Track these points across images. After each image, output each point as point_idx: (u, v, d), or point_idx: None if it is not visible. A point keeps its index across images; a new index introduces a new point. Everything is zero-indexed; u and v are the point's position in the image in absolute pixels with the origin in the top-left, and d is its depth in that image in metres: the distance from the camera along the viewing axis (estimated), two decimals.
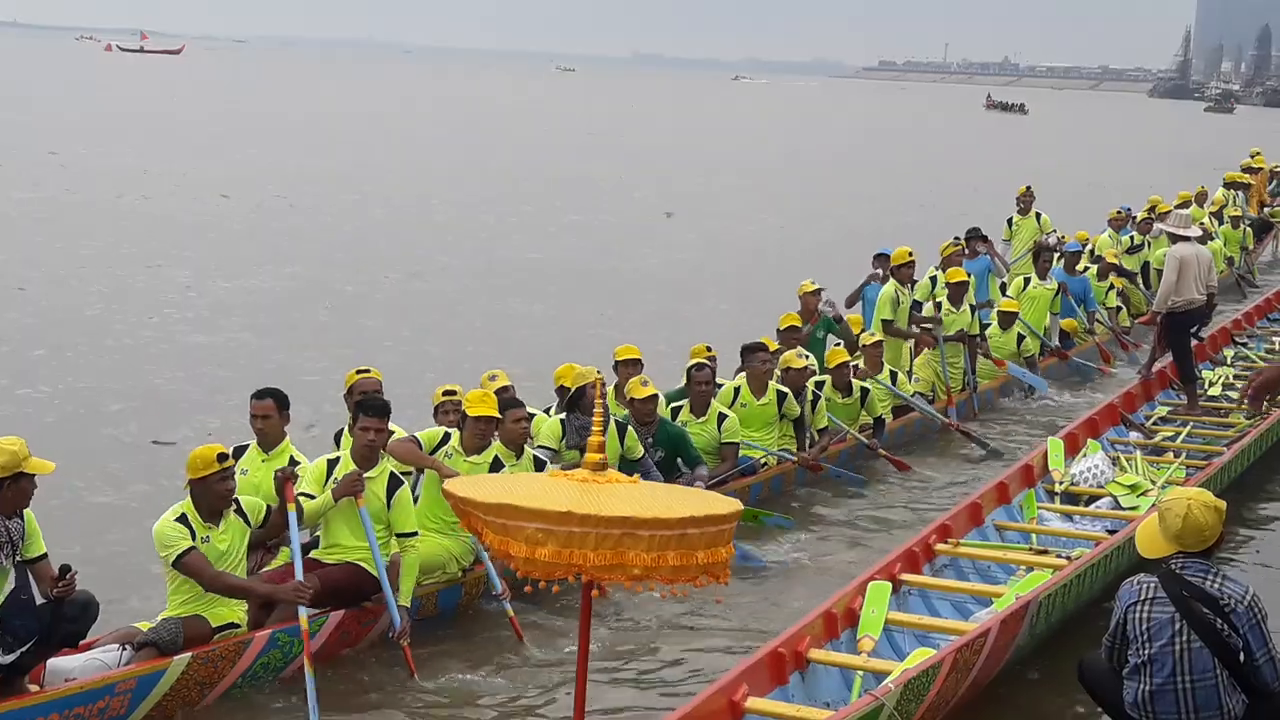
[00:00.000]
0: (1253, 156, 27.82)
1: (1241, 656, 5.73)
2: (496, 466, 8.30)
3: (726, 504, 4.17)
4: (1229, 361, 14.54)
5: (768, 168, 43.55)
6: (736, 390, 10.81)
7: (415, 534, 7.74)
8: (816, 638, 7.06)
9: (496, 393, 8.90)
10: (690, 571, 3.95)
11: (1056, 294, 15.34)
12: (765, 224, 29.19)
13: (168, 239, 22.46)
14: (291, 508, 7.34)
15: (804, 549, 9.67)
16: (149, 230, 23.40)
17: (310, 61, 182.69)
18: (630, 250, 24.24)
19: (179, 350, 14.98)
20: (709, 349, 10.84)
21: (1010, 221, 17.88)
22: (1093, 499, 10.01)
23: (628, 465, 9.29)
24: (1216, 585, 5.77)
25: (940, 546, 8.55)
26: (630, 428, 9.54)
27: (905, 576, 8.02)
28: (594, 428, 4.34)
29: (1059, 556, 8.52)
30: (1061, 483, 10.11)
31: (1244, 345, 15.33)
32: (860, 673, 6.83)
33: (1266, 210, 25.07)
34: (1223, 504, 5.97)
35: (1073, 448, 10.77)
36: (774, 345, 11.51)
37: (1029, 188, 18.09)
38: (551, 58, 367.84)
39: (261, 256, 21.27)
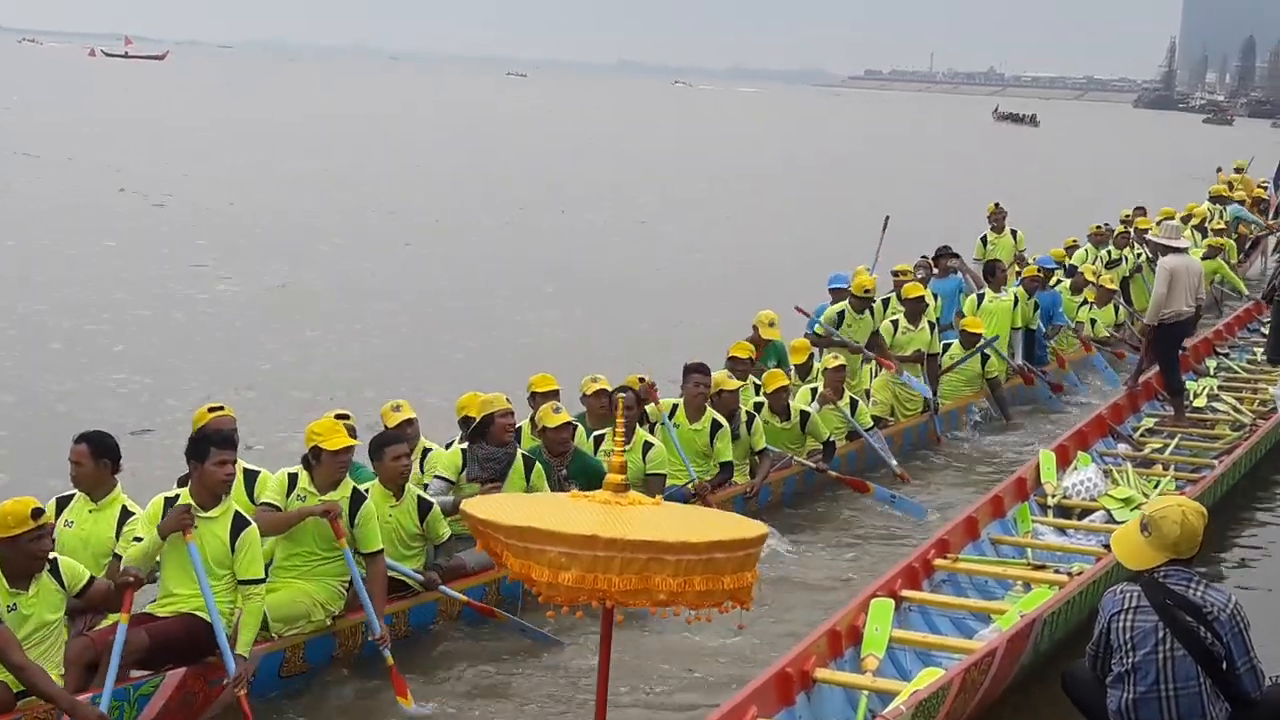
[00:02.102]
0: (1237, 170, 27.93)
1: (1224, 665, 5.76)
2: (356, 501, 7.56)
3: (754, 528, 4.09)
4: (1212, 372, 14.61)
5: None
6: (675, 407, 10.38)
7: (261, 581, 6.96)
8: (822, 656, 7.04)
9: (399, 426, 8.50)
10: (716, 596, 3.86)
11: (1016, 304, 14.64)
12: (731, 233, 29.02)
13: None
14: (125, 619, 6.48)
15: (799, 562, 9.69)
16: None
17: (299, 67, 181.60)
18: (616, 258, 24.23)
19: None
20: (642, 380, 10.23)
21: (984, 239, 17.29)
22: (1086, 512, 10.04)
23: None
24: (1199, 593, 5.80)
25: (939, 562, 8.57)
26: (538, 463, 8.77)
27: (905, 593, 8.02)
28: (615, 443, 4.24)
29: (1057, 571, 8.56)
30: (1054, 495, 10.17)
31: (1226, 356, 15.42)
32: (865, 693, 6.82)
33: (1255, 228, 25.08)
34: (1204, 509, 6.05)
35: (1063, 460, 10.79)
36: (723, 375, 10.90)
37: (998, 204, 17.66)
38: (546, 65, 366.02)
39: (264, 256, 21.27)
